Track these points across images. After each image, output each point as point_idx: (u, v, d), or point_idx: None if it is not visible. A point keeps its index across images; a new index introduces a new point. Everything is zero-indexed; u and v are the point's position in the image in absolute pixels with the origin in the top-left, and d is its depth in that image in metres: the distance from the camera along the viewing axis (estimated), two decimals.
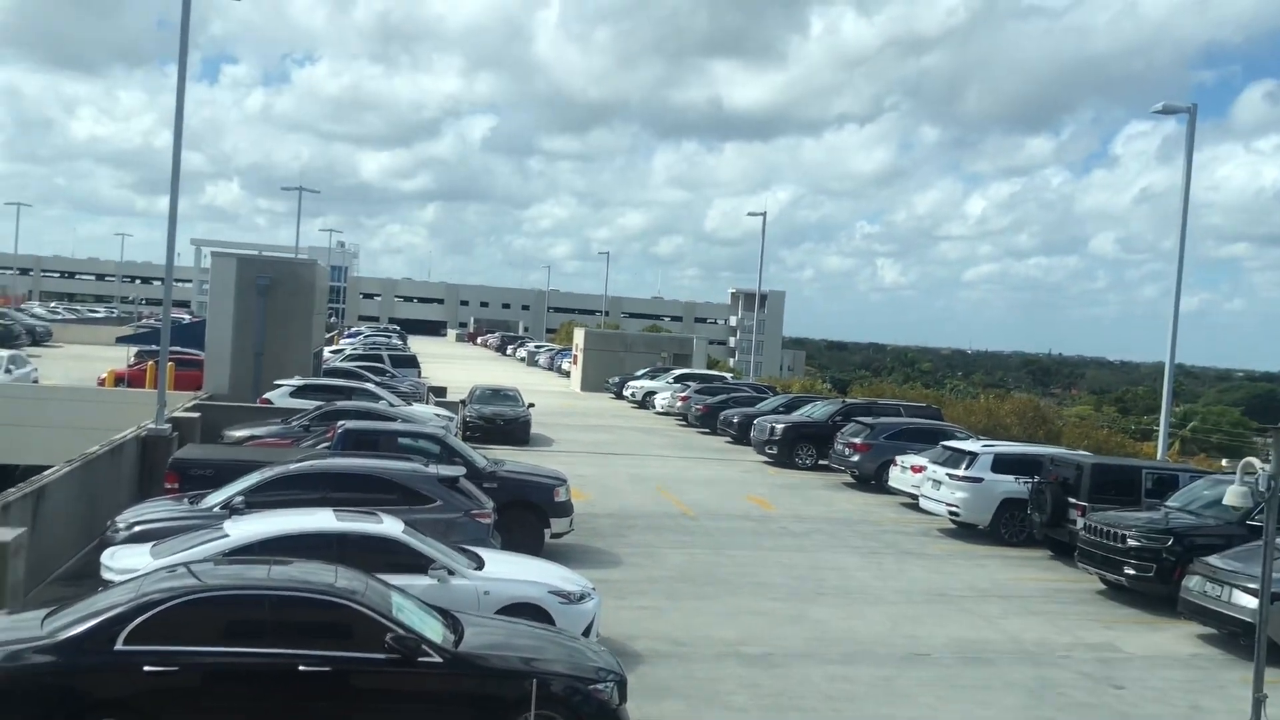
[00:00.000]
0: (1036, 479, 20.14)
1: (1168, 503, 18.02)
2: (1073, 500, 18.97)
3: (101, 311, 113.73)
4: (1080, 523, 18.06)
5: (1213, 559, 14.85)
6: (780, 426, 30.54)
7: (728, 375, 56.53)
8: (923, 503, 22.46)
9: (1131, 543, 16.44)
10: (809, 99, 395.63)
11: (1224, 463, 28.92)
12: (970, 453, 21.87)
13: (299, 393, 27.24)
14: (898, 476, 24.28)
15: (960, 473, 21.34)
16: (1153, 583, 16.12)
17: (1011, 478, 20.99)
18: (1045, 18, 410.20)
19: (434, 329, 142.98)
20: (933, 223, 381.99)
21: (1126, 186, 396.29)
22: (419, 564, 10.76)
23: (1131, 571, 16.33)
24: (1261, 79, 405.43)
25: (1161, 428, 26.61)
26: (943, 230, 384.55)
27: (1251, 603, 12.87)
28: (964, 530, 21.62)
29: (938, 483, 21.80)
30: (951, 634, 14.40)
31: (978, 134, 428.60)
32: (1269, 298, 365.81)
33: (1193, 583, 14.78)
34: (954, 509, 21.29)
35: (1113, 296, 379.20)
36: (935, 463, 22.35)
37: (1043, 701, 11.92)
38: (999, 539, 20.85)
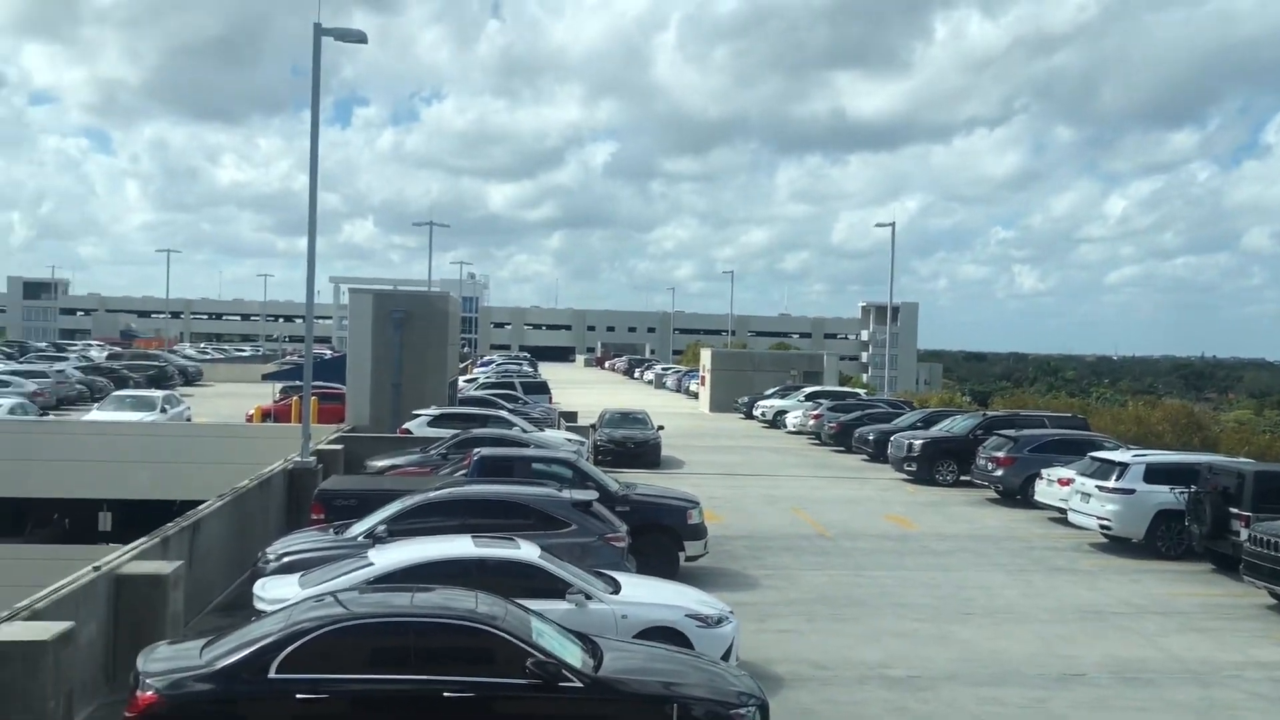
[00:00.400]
0: (1194, 488, 19.15)
1: None
2: (1235, 510, 17.97)
3: (247, 350, 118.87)
4: (1244, 534, 17.08)
5: None
6: (918, 442, 29.86)
7: (861, 391, 55.73)
8: (1071, 517, 21.60)
9: None
10: (935, 105, 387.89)
11: None
12: (1121, 463, 20.95)
13: (436, 422, 27.87)
14: (1044, 490, 23.45)
15: (1111, 484, 20.46)
16: None
17: (1166, 488, 20.02)
18: (1184, 6, 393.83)
19: (563, 355, 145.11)
20: (1071, 225, 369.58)
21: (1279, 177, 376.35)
22: (556, 589, 10.80)
23: None
24: None
25: None
26: (1082, 232, 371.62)
27: None
28: (1117, 544, 20.71)
29: (1087, 495, 20.95)
30: (1107, 653, 13.75)
31: (1115, 131, 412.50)
32: None
33: None
34: (1105, 522, 20.41)
35: (1271, 294, 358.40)
36: (1084, 475, 21.49)
37: None
38: (1155, 552, 19.90)
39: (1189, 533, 19.14)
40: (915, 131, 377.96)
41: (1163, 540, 19.95)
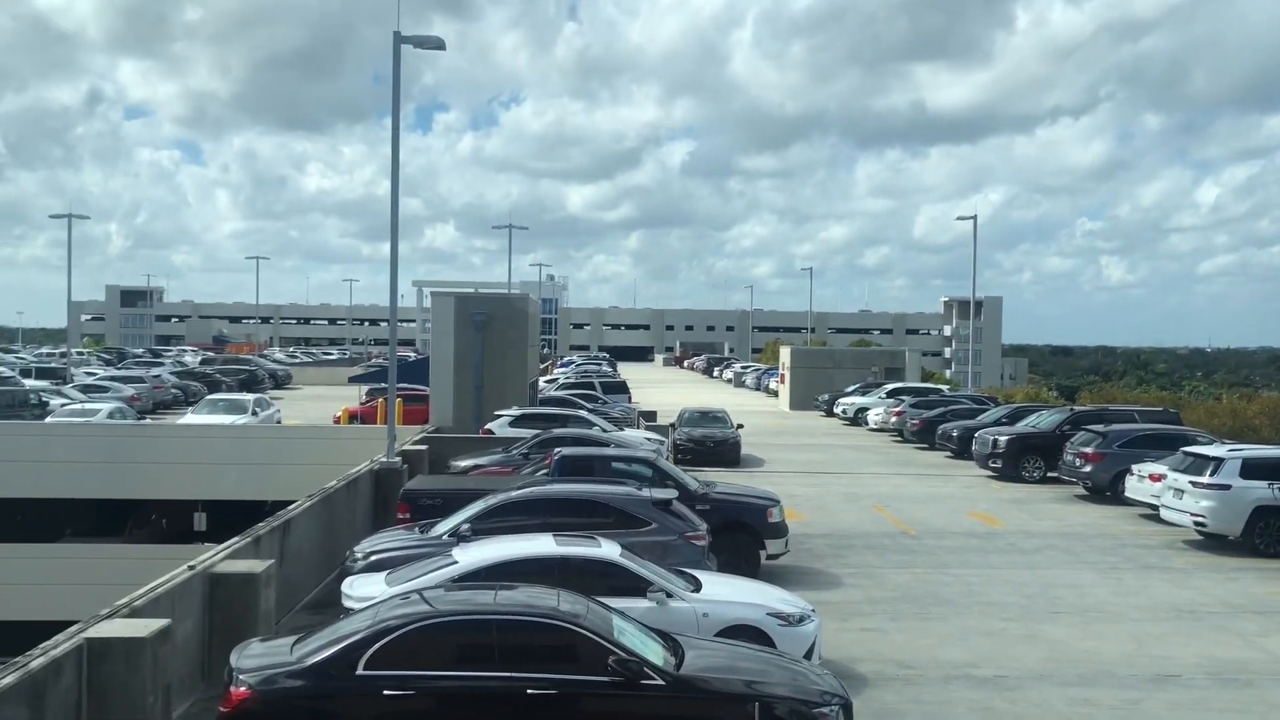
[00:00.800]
0: None
1: None
2: None
3: (334, 354, 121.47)
4: None
5: None
6: (1004, 439, 29.32)
7: (944, 388, 54.85)
8: (1164, 513, 21.03)
9: None
10: (1017, 95, 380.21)
11: None
12: (1215, 458, 20.33)
13: (518, 422, 28.16)
14: (1135, 486, 22.87)
15: (1205, 480, 19.87)
16: None
17: (1264, 483, 19.39)
18: None
19: (641, 354, 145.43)
20: (1160, 215, 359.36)
21: None
22: (638, 587, 10.83)
23: None
24: None
25: None
26: (1172, 222, 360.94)
27: None
28: (1212, 541, 20.11)
29: (1180, 491, 20.37)
30: (1203, 653, 13.37)
31: (1206, 117, 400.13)
32: None
33: None
34: (1200, 519, 19.83)
35: None
36: (1176, 470, 20.90)
37: None
38: (1253, 550, 19.28)
39: None
40: (997, 122, 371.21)
41: (1261, 537, 19.32)
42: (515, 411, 29.36)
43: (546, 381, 50.78)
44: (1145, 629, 14.46)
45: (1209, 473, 19.94)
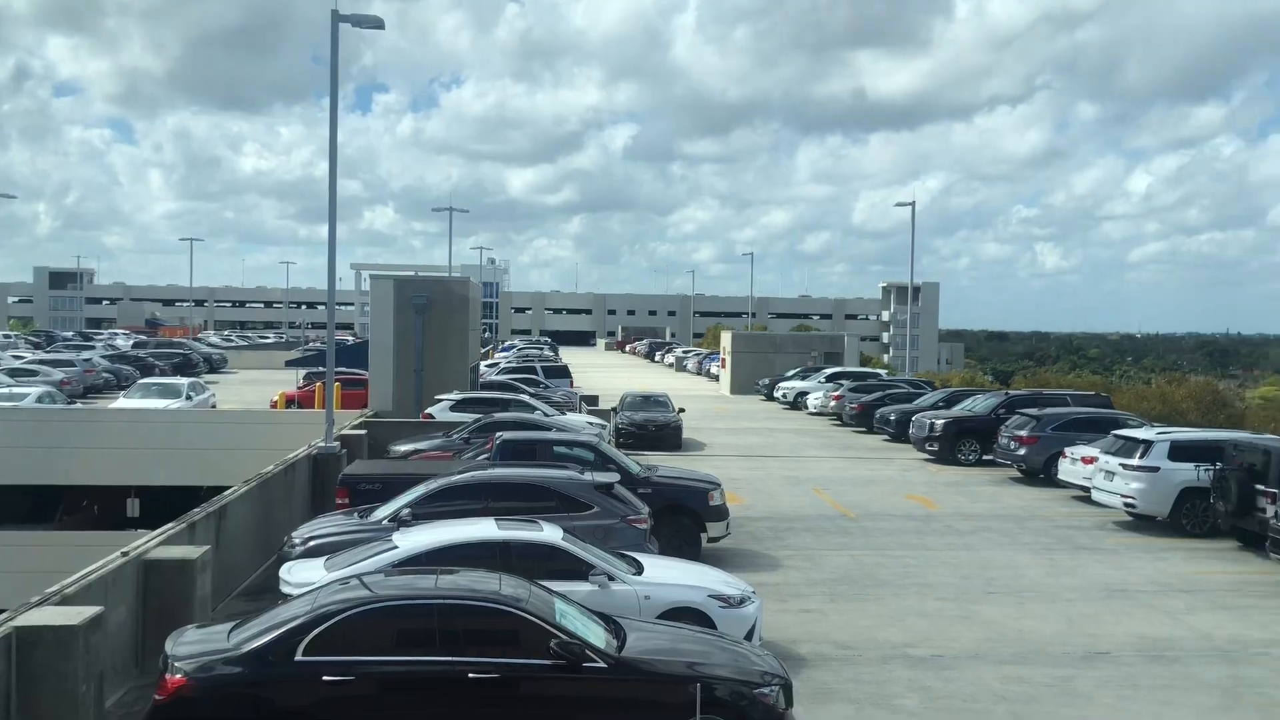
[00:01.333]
0: (1219, 466, 19.03)
1: None
2: (1261, 487, 17.85)
3: (271, 337, 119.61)
4: (1271, 510, 16.98)
5: None
6: (940, 422, 29.76)
7: (882, 372, 55.51)
8: (1095, 495, 21.51)
9: None
10: (957, 83, 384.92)
11: None
12: (1145, 441, 20.82)
13: (458, 407, 27.99)
14: (1068, 469, 23.35)
15: (1135, 462, 20.35)
16: None
17: (1191, 465, 19.89)
18: None
19: (583, 339, 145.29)
20: (1094, 203, 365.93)
21: None
22: (579, 570, 10.85)
23: None
24: None
25: None
26: (1105, 210, 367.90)
27: None
28: (1141, 522, 20.60)
29: (1111, 473, 20.84)
30: (1133, 631, 13.70)
31: (1139, 107, 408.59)
32: None
33: None
34: (1130, 500, 20.31)
35: None
36: (1107, 453, 21.37)
37: (1239, 702, 11.22)
38: (1180, 530, 19.79)
39: (1214, 510, 19.03)
40: (936, 110, 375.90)
41: (1188, 518, 19.83)
42: (456, 396, 29.17)
43: (488, 366, 50.53)
44: (1077, 608, 14.79)
45: (1138, 455, 20.41)
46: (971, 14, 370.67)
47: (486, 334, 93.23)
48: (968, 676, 11.83)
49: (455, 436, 23.19)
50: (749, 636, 10.93)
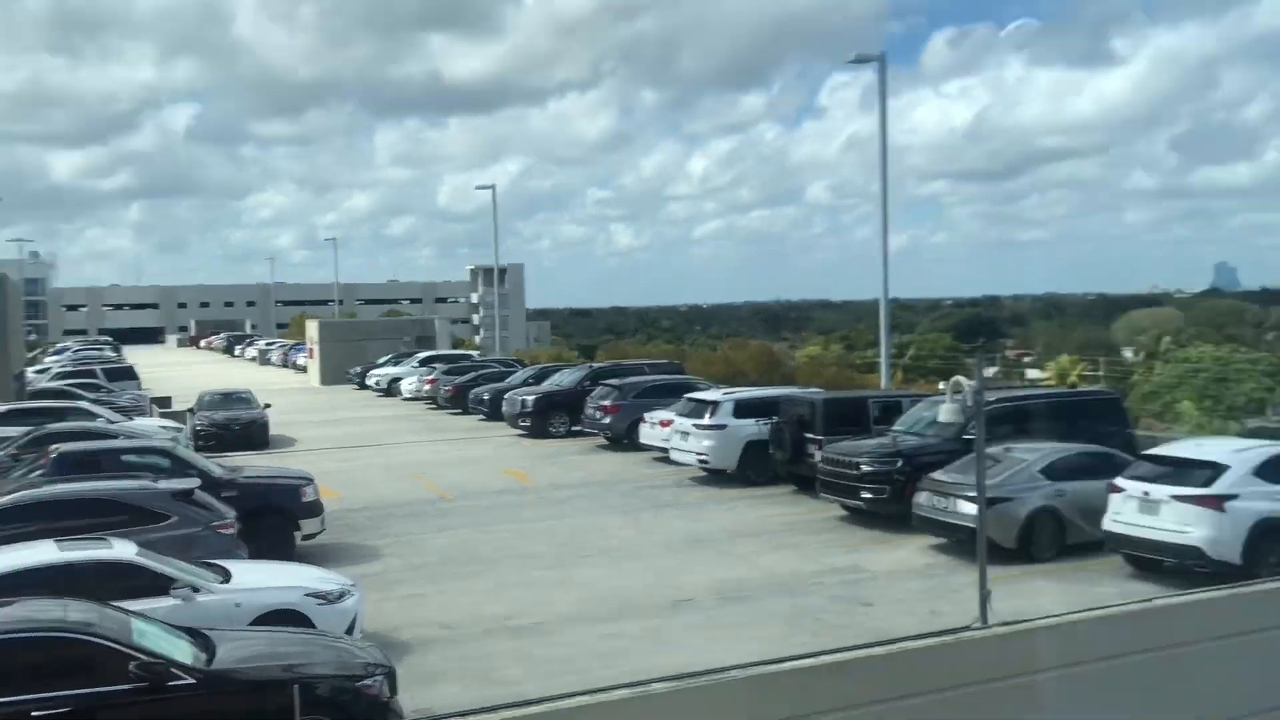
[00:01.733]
0: (775, 419, 21.12)
1: (894, 428, 19.37)
2: (810, 435, 20.05)
3: None
4: (818, 456, 19.12)
5: (937, 474, 16.12)
6: (531, 398, 30.63)
7: (474, 353, 56.05)
8: (674, 455, 23.14)
9: (865, 468, 17.59)
10: (529, 68, 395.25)
11: (940, 385, 31.38)
12: (712, 402, 22.69)
13: (2, 419, 24.89)
14: (648, 433, 24.88)
15: (705, 421, 22.11)
16: (887, 503, 17.31)
17: (753, 421, 21.91)
18: None
19: (152, 336, 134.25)
20: (660, 184, 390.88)
21: (834, 135, 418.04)
22: (159, 585, 10.11)
23: (868, 495, 17.49)
24: (944, 27, 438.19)
25: (883, 359, 28.54)
26: (670, 191, 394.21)
27: (972, 509, 14.02)
28: (714, 476, 22.43)
29: (685, 434, 22.51)
30: (712, 577, 14.94)
31: (694, 94, 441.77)
32: (968, 230, 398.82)
33: (922, 498, 16.00)
34: (703, 457, 22.06)
35: (830, 241, 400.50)
36: (681, 415, 23.05)
37: (800, 628, 12.58)
38: (746, 480, 21.72)
39: (773, 460, 21.12)
40: (511, 94, 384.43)
41: (752, 469, 21.83)
42: None
43: (37, 372, 45.34)
44: (663, 561, 15.89)
45: (708, 415, 22.22)
46: (538, 0, 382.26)
47: (33, 336, 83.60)
48: (568, 639, 12.35)
49: (1, 453, 20.62)
50: (350, 630, 10.73)
